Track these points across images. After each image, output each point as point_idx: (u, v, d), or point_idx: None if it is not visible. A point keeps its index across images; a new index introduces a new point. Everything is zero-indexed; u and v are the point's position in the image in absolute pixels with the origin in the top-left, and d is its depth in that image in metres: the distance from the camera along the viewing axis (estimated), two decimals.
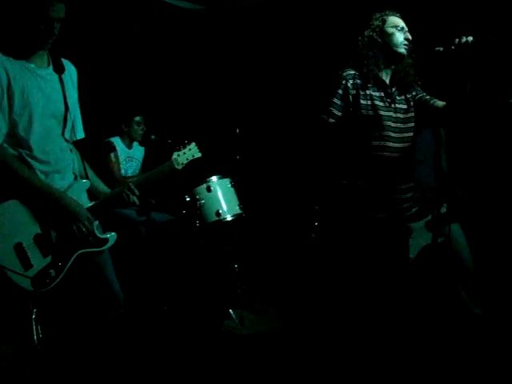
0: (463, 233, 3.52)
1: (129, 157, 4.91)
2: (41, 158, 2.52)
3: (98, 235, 2.66)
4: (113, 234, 2.72)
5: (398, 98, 2.89)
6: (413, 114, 2.92)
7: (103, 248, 2.68)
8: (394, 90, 2.87)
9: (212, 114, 5.79)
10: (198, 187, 4.16)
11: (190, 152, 3.02)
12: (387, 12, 2.89)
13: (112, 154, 4.69)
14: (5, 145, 2.47)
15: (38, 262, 2.49)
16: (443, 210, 3.46)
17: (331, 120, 2.84)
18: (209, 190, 4.13)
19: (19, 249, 2.46)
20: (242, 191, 4.36)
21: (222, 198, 4.14)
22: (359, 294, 2.88)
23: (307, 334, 3.94)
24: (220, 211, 4.11)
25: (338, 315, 2.95)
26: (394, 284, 2.87)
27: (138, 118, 4.87)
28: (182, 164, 2.99)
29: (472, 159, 4.10)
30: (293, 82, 5.44)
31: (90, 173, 2.81)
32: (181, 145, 3.01)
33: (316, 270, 4.41)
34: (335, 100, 2.84)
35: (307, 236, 4.58)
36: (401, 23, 2.84)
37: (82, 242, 2.59)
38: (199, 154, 3.06)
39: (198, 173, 4.39)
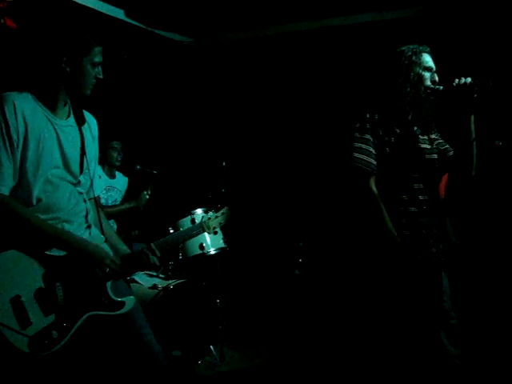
0: (446, 275, 3.50)
1: (109, 186, 4.76)
2: (44, 208, 2.32)
3: (113, 297, 2.40)
4: (131, 297, 2.46)
5: (421, 137, 2.79)
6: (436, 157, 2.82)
7: (118, 312, 2.39)
8: (416, 128, 2.78)
9: (199, 147, 5.80)
10: (182, 219, 4.09)
11: (224, 216, 2.82)
12: (419, 48, 2.73)
13: None
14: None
15: (38, 319, 2.20)
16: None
17: (369, 160, 2.68)
18: (193, 222, 3.99)
19: (17, 303, 2.17)
20: (226, 225, 4.29)
21: None
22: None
23: (288, 370, 3.88)
24: (204, 244, 4.07)
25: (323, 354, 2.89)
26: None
27: (113, 143, 4.72)
28: (214, 229, 2.79)
29: (470, 204, 4.10)
30: (279, 115, 5.50)
31: (108, 230, 2.62)
32: (212, 207, 2.77)
33: (299, 306, 4.36)
34: (366, 136, 2.71)
35: (291, 272, 4.54)
36: (431, 63, 2.73)
37: (93, 303, 2.35)
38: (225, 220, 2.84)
39: (182, 205, 4.35)
